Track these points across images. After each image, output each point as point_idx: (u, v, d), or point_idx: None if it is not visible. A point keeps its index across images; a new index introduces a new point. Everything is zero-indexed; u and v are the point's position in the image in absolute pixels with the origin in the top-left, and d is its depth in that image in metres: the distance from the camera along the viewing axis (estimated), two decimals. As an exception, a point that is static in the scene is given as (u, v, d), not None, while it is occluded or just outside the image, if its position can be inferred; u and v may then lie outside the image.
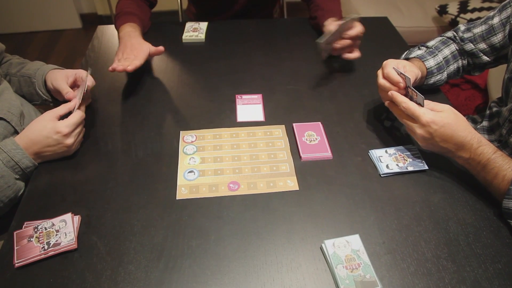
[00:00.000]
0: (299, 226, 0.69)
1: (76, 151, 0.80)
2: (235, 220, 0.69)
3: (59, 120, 0.77)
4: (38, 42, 2.73)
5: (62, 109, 0.78)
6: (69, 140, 0.76)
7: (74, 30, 2.86)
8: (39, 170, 0.77)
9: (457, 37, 0.98)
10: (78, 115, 0.78)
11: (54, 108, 0.87)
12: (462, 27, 0.99)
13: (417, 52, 0.94)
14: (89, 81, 0.86)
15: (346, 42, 0.99)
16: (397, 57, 0.99)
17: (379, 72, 0.84)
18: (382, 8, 2.20)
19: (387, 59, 0.86)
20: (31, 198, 0.73)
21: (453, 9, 1.98)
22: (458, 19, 1.95)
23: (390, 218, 0.70)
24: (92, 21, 2.89)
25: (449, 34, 1.01)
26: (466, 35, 0.97)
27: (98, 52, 1.12)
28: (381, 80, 0.82)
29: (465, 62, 1.00)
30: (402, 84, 0.78)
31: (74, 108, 0.80)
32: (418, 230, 0.69)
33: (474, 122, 1.15)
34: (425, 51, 0.94)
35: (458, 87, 1.78)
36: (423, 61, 0.92)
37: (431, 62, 0.92)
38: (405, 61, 0.84)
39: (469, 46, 0.97)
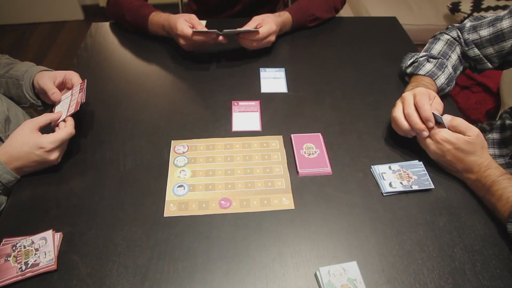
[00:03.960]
0: (293, 250, 0.64)
1: (61, 161, 0.76)
2: (225, 242, 0.65)
3: (39, 130, 0.73)
4: (40, 33, 2.69)
5: (43, 119, 0.74)
6: (53, 156, 0.72)
7: (76, 21, 2.81)
8: (22, 182, 0.74)
9: (462, 39, 0.93)
10: (66, 132, 0.73)
11: (42, 112, 0.83)
12: (468, 23, 0.93)
13: (426, 67, 0.88)
14: (80, 96, 0.78)
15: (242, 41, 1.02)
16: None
17: (409, 100, 0.76)
18: (392, 4, 2.11)
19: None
20: (12, 212, 0.69)
21: (466, 6, 1.90)
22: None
23: (391, 242, 0.66)
24: (94, 13, 2.84)
25: (453, 33, 0.95)
26: (472, 37, 0.91)
27: (91, 51, 1.08)
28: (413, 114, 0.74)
29: (467, 65, 0.97)
30: (431, 124, 0.73)
31: (58, 120, 0.75)
32: (421, 256, 0.64)
33: (483, 131, 1.10)
34: (434, 64, 0.88)
35: (468, 89, 1.71)
36: (434, 80, 0.86)
37: (441, 79, 0.87)
38: (433, 93, 0.78)
39: (473, 52, 0.92)
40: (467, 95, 1.70)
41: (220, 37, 0.97)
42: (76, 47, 2.55)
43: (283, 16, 1.08)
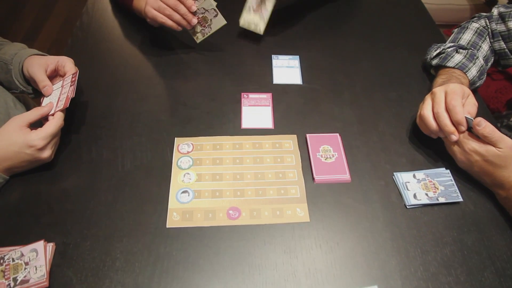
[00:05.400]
0: (308, 269, 0.59)
1: (54, 157, 0.69)
2: (233, 257, 0.59)
3: (29, 127, 0.65)
4: (36, 2, 2.55)
5: (33, 115, 0.66)
6: (45, 154, 0.65)
7: (74, -11, 2.66)
8: (11, 181, 0.67)
9: (489, 28, 0.85)
10: (55, 124, 0.66)
11: (34, 99, 0.75)
12: (495, 11, 0.86)
13: (455, 59, 0.80)
14: (71, 91, 0.70)
15: None
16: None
17: (440, 98, 0.68)
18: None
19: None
20: (0, 217, 0.63)
21: (491, -15, 1.76)
22: (497, -2, 1.73)
23: (415, 263, 0.60)
24: (93, -20, 2.68)
25: (482, 22, 0.87)
26: (499, 28, 0.84)
27: (87, 31, 0.98)
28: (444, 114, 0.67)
29: (496, 57, 0.89)
30: (463, 128, 0.66)
31: (49, 112, 0.68)
32: (447, 281, 0.58)
33: (509, 129, 1.03)
34: (464, 55, 0.80)
35: (489, 76, 1.61)
36: (464, 72, 0.78)
37: (473, 72, 0.79)
38: (467, 90, 0.70)
39: (499, 45, 0.85)
40: (486, 82, 1.59)
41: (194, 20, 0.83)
42: (74, 18, 2.42)
43: None
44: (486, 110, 0.84)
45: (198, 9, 0.82)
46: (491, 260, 0.60)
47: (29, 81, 0.81)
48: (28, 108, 0.90)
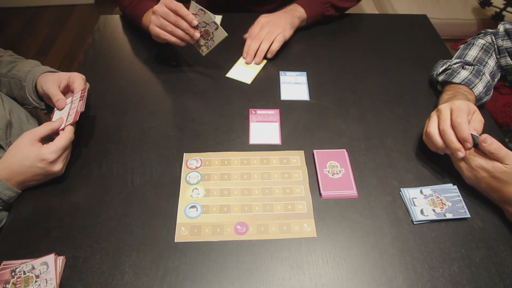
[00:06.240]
0: (315, 285, 0.59)
1: (65, 171, 0.71)
2: (241, 272, 0.60)
3: (41, 141, 0.67)
4: (49, 17, 2.62)
5: (43, 129, 0.68)
6: (57, 167, 0.67)
7: (86, 5, 2.73)
8: (24, 194, 0.69)
9: (495, 44, 0.86)
10: (66, 137, 0.67)
11: (46, 115, 0.78)
12: (501, 27, 0.87)
13: (461, 75, 0.81)
14: (80, 105, 0.72)
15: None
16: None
17: (446, 115, 0.69)
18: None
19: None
20: (12, 230, 0.65)
21: (498, 0, 1.77)
22: (504, 13, 1.74)
23: (422, 280, 0.60)
24: (105, -4, 2.76)
25: (488, 38, 0.88)
26: (506, 44, 0.85)
27: (99, 48, 1.01)
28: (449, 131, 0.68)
29: (503, 73, 0.90)
30: (469, 145, 0.66)
31: (60, 127, 0.70)
32: (456, 298, 0.58)
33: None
34: (470, 71, 0.81)
35: (496, 90, 1.61)
36: (471, 88, 0.79)
37: (479, 88, 0.79)
38: (473, 106, 0.70)
39: (505, 61, 0.86)
40: (494, 96, 1.59)
41: (196, 34, 0.84)
42: (86, 32, 2.48)
43: (295, 14, 1.00)
44: (493, 125, 0.84)
45: (199, 23, 0.83)
46: (500, 277, 0.60)
47: (43, 97, 0.83)
48: (40, 122, 0.93)
